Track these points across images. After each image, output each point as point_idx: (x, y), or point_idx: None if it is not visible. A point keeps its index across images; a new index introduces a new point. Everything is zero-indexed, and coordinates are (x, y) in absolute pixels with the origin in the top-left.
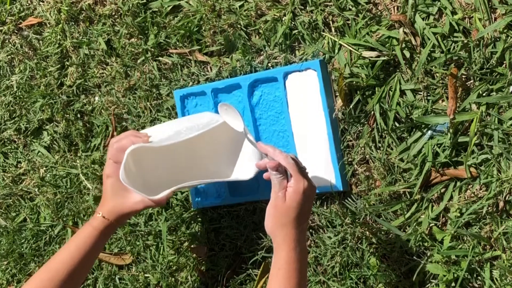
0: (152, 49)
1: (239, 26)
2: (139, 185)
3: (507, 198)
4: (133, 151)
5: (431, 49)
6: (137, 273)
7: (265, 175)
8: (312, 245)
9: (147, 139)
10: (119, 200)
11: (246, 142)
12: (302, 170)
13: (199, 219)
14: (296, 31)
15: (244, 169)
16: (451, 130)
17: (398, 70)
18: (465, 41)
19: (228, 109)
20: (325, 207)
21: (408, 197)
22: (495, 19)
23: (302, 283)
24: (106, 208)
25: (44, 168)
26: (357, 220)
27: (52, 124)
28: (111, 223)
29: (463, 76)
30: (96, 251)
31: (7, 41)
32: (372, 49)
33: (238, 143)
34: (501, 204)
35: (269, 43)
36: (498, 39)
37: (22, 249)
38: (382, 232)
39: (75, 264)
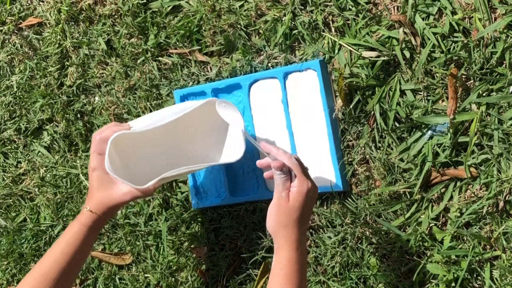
0: (152, 49)
1: (239, 26)
2: (126, 177)
3: (507, 198)
4: (116, 142)
5: (431, 49)
6: (137, 273)
7: (265, 174)
8: (312, 245)
9: (128, 128)
10: (106, 193)
11: (231, 124)
12: (305, 171)
13: (199, 219)
14: (296, 31)
15: (231, 151)
16: (451, 130)
17: (398, 70)
18: (465, 41)
19: (226, 106)
20: (325, 207)
21: (408, 197)
22: (495, 19)
23: (303, 284)
24: (93, 202)
25: (44, 168)
26: (357, 220)
27: (52, 124)
28: (99, 217)
29: (463, 76)
30: (87, 247)
31: (7, 41)
32: (372, 49)
33: (222, 126)
34: (501, 204)
35: (269, 43)
36: (498, 39)
37: (22, 249)
38: (382, 232)
39: (66, 262)
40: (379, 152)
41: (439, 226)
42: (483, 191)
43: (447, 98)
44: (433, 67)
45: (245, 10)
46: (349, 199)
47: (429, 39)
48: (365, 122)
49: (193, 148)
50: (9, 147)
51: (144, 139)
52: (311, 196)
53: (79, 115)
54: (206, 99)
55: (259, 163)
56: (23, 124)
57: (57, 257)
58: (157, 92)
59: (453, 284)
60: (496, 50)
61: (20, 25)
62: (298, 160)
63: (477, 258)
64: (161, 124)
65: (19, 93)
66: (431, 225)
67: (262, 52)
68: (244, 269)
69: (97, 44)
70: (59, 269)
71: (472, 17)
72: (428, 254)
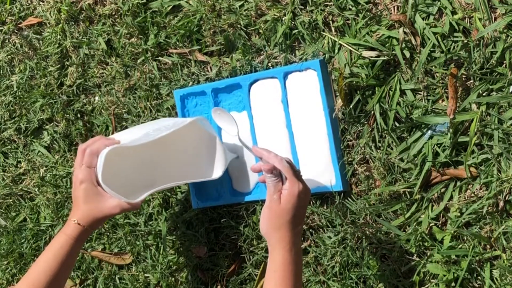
0: (152, 49)
1: (239, 26)
2: (113, 189)
3: (507, 197)
4: (105, 155)
5: (431, 49)
6: (137, 273)
7: (260, 178)
8: (312, 245)
9: (118, 142)
10: (94, 205)
11: (217, 141)
12: (296, 173)
13: (199, 219)
14: (296, 31)
15: (215, 168)
16: (451, 130)
17: (398, 70)
18: (465, 41)
19: (221, 114)
20: (325, 207)
21: (408, 197)
22: (495, 19)
23: (298, 285)
24: (80, 214)
25: (44, 168)
26: (357, 220)
27: (52, 124)
28: (86, 229)
29: (463, 76)
30: (73, 257)
31: (7, 41)
32: (372, 49)
33: (210, 142)
34: (501, 203)
35: (269, 43)
36: (498, 39)
37: (22, 249)
38: (382, 232)
39: (53, 273)
40: (379, 152)
41: (439, 226)
42: (483, 191)
43: (447, 98)
44: (433, 67)
45: (245, 10)
46: (349, 199)
47: (429, 39)
48: (365, 122)
49: (181, 162)
50: (9, 147)
51: (133, 153)
52: (302, 197)
53: (79, 115)
54: (194, 117)
55: (253, 168)
56: (23, 124)
57: (44, 269)
58: (157, 92)
59: (453, 284)
60: (496, 50)
61: (20, 25)
62: (289, 162)
63: (477, 258)
64: (152, 139)
65: (19, 93)
66: (431, 225)
67: (262, 52)
68: (244, 269)
69: (97, 44)
70: (47, 281)
71: (472, 17)
72: (428, 254)
